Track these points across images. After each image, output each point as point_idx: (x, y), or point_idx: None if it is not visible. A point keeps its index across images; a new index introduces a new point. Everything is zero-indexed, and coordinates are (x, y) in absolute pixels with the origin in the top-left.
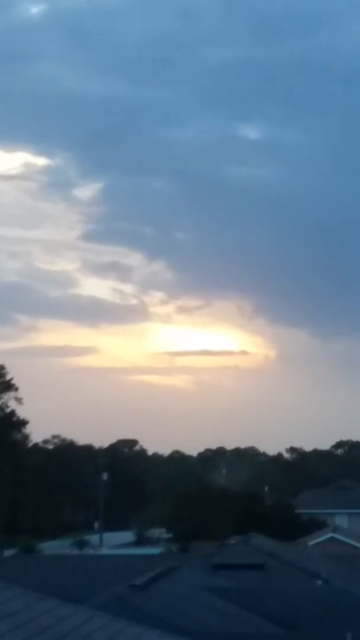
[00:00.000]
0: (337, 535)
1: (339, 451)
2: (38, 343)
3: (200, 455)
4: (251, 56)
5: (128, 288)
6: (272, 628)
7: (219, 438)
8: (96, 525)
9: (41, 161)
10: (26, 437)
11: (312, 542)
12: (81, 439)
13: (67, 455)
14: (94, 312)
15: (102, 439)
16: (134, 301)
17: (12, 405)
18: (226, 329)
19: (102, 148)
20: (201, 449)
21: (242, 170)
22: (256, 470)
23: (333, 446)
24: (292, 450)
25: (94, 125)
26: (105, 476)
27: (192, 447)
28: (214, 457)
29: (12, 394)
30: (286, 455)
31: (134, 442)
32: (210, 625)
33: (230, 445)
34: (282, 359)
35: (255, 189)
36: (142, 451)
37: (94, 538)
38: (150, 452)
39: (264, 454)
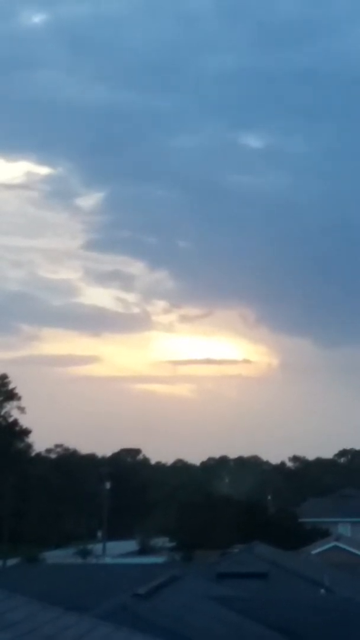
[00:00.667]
0: (340, 544)
1: (342, 460)
2: (41, 352)
3: (203, 464)
4: (253, 64)
5: (131, 297)
6: (276, 637)
7: (222, 447)
8: (99, 534)
9: (44, 170)
10: (29, 446)
11: (315, 551)
12: (84, 448)
13: (70, 465)
14: (96, 321)
15: (105, 448)
16: (136, 310)
17: (15, 414)
18: (229, 338)
19: (104, 157)
20: (204, 457)
21: (244, 179)
22: (259, 479)
23: (336, 455)
24: (295, 459)
25: (96, 134)
26: (108, 485)
27: (195, 456)
28: (217, 466)
29: (15, 403)
30: (289, 464)
31: (137, 451)
32: (213, 634)
33: (233, 454)
34: (285, 367)
35: (257, 197)
36: (145, 460)
37: (97, 547)
38: (153, 461)
39: (267, 462)
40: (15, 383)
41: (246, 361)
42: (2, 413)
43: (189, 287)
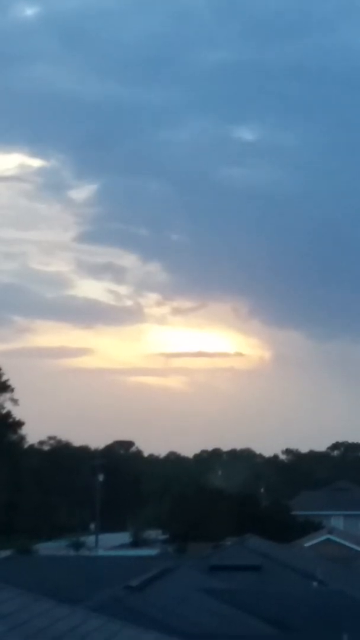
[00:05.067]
0: (332, 537)
1: (335, 453)
2: (34, 344)
3: (196, 456)
4: (245, 58)
5: (123, 289)
6: (268, 629)
7: (215, 439)
8: (92, 526)
9: (36, 162)
10: (22, 438)
11: (307, 544)
12: (77, 440)
13: (63, 457)
14: (89, 314)
15: (98, 440)
16: (129, 302)
17: (8, 406)
18: (221, 331)
19: (97, 149)
20: (197, 450)
21: (237, 172)
22: (252, 471)
23: (329, 448)
24: (288, 451)
25: (89, 127)
26: (101, 477)
27: (188, 449)
28: (209, 459)
29: (8, 395)
30: (282, 457)
31: (130, 444)
32: (206, 626)
33: (226, 447)
34: (277, 360)
35: (250, 190)
36: (138, 452)
37: (90, 539)
38: (146, 453)
39: (259, 455)
40: (8, 375)
41: (239, 354)
42: None
43: (182, 279)
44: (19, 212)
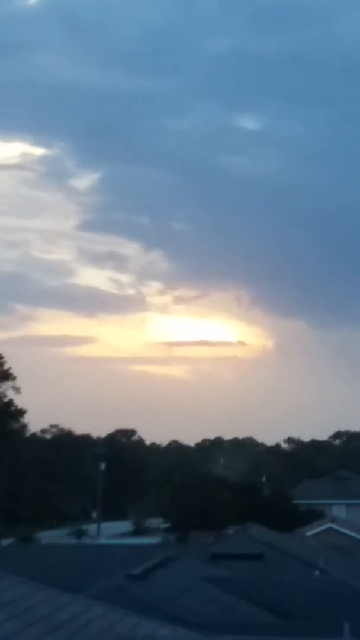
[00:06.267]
0: (334, 526)
1: (337, 442)
2: (36, 332)
3: (198, 445)
4: (249, 47)
5: (125, 278)
6: (270, 618)
7: (217, 428)
8: (94, 514)
9: (39, 151)
10: (24, 426)
11: (309, 533)
12: (79, 429)
13: (65, 445)
14: (91, 302)
15: (100, 429)
16: (131, 291)
17: (10, 394)
18: (224, 319)
19: (99, 138)
20: (199, 439)
21: (239, 161)
22: (254, 460)
23: (331, 437)
24: (290, 440)
25: (92, 116)
26: (103, 466)
27: (190, 437)
28: (212, 448)
29: (10, 383)
30: (284, 446)
31: (132, 432)
32: (207, 615)
33: (228, 436)
34: (279, 349)
35: (252, 179)
36: (140, 441)
37: (91, 528)
38: (148, 442)
39: (262, 444)
40: (11, 363)
41: (241, 343)
42: None
43: (184, 268)
44: (21, 201)
